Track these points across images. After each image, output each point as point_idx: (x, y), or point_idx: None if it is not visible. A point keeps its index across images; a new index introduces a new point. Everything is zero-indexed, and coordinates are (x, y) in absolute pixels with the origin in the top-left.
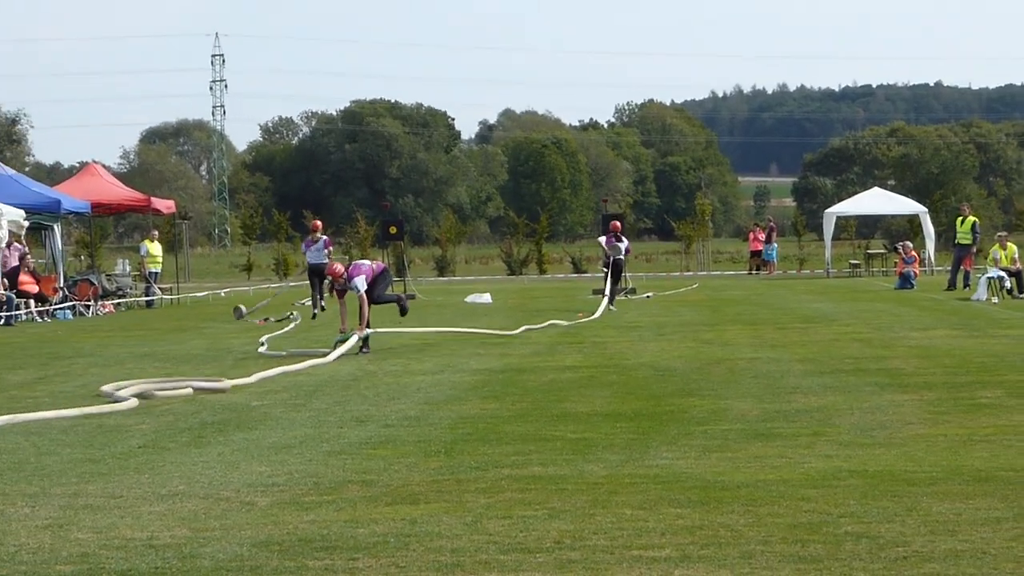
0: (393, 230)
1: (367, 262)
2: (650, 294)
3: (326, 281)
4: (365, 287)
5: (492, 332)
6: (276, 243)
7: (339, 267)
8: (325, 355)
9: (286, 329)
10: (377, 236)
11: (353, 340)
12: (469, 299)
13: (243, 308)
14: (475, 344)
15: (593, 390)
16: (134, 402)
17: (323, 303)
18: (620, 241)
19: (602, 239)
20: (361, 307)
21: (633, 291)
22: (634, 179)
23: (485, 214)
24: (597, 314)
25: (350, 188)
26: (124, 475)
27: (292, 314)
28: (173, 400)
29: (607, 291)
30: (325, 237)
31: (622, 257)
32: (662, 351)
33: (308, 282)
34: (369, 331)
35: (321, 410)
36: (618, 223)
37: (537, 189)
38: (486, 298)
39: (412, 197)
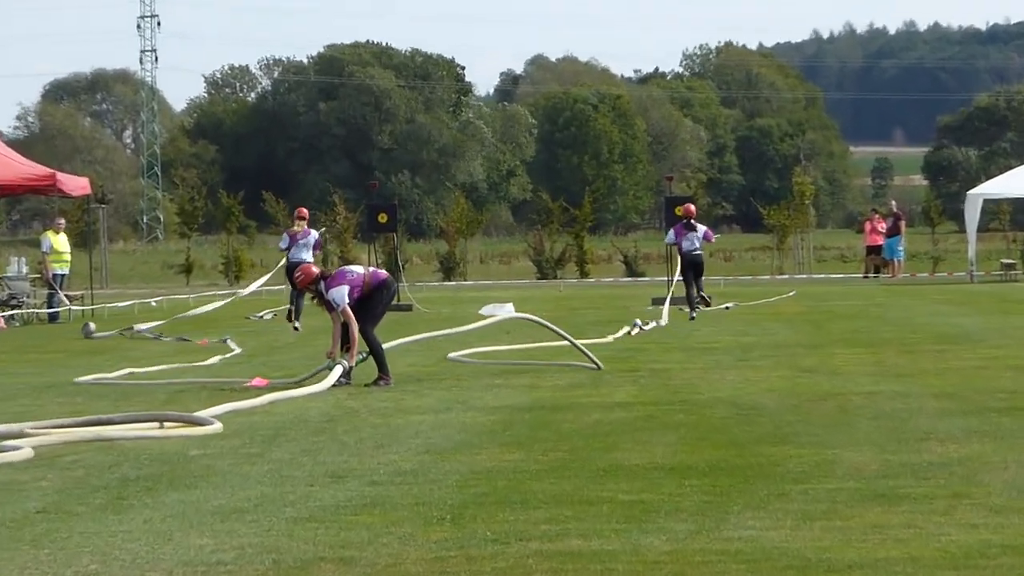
0: (383, 218)
1: (358, 269)
2: (730, 304)
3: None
4: (347, 301)
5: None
6: (225, 235)
7: (313, 269)
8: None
9: (222, 358)
10: (361, 226)
11: (335, 374)
12: (485, 311)
13: (92, 325)
14: (492, 373)
15: (652, 435)
16: (29, 452)
17: (298, 323)
18: (693, 229)
19: (670, 234)
20: (349, 328)
21: (706, 300)
22: (709, 149)
23: (507, 196)
24: (664, 319)
25: (325, 161)
26: (16, 551)
27: (226, 339)
28: (83, 448)
29: (686, 295)
30: (316, 233)
31: (700, 249)
32: (746, 382)
33: (288, 286)
34: (360, 358)
35: (284, 461)
36: (691, 206)
37: (578, 163)
38: (507, 310)
39: (409, 174)
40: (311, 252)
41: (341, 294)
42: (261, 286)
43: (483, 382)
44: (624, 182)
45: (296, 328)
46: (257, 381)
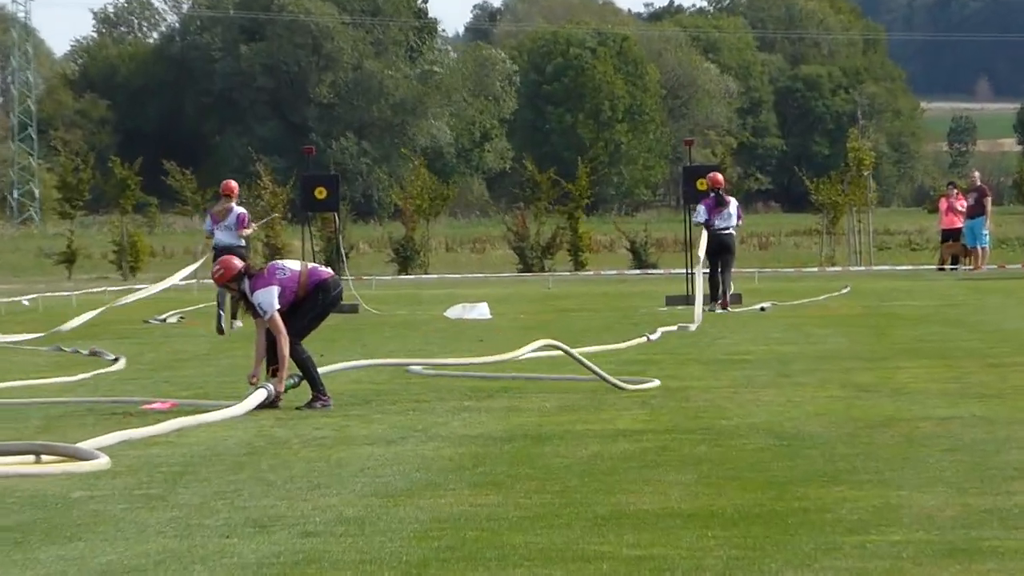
0: (321, 193)
1: (293, 265)
2: (767, 304)
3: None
4: (277, 306)
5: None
6: (118, 216)
7: (235, 261)
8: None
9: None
10: (293, 204)
11: (257, 398)
12: (452, 313)
13: None
14: (461, 392)
15: (666, 472)
16: None
17: (239, 321)
18: (724, 204)
19: (700, 210)
20: (277, 343)
21: (735, 297)
22: (740, 105)
23: (481, 166)
24: (694, 325)
25: (247, 121)
26: None
27: (94, 351)
28: None
29: (706, 288)
30: (241, 209)
31: (732, 228)
32: (787, 404)
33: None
34: (291, 383)
35: (193, 506)
36: (718, 175)
37: (572, 123)
38: (481, 311)
39: (354, 137)
40: (235, 233)
41: (269, 298)
42: (183, 279)
43: (449, 404)
44: (631, 148)
45: (221, 329)
46: (158, 404)
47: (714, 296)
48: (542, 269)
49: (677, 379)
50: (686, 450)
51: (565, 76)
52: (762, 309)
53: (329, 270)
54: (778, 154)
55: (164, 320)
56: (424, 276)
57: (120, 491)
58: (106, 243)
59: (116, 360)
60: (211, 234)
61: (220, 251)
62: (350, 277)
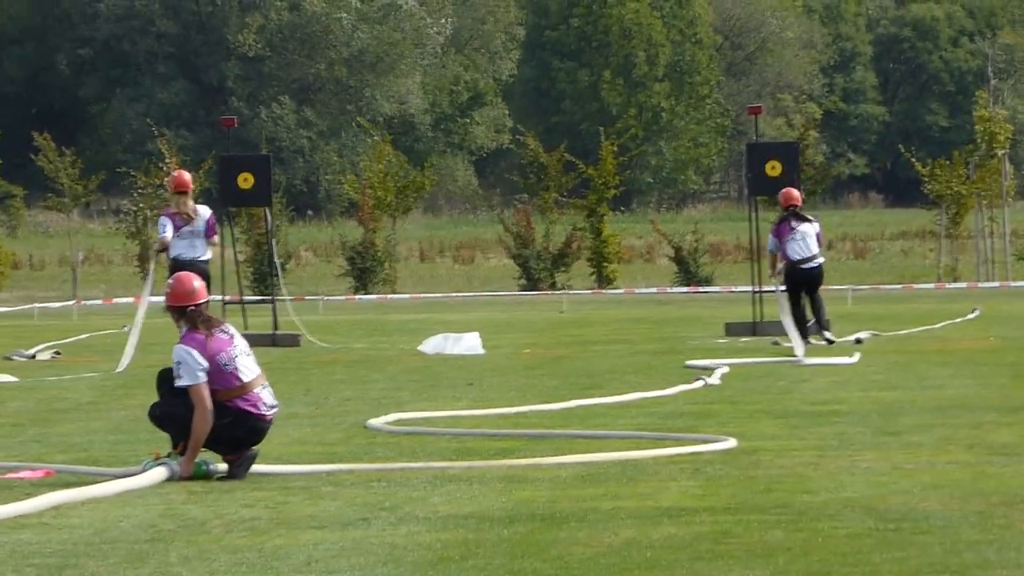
0: (247, 181)
1: (250, 364)
2: (864, 335)
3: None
4: (201, 377)
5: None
6: None
7: (196, 285)
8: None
9: None
10: (207, 195)
11: (156, 474)
12: (430, 347)
13: None
14: (442, 454)
15: (728, 567)
16: None
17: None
18: (801, 222)
19: (771, 239)
20: (195, 418)
21: (821, 328)
22: (827, 60)
23: (468, 142)
24: (798, 351)
25: (143, 81)
26: None
27: None
28: None
29: (789, 322)
30: (209, 211)
31: (817, 257)
32: (893, 472)
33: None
34: (205, 469)
35: None
36: (794, 192)
37: (592, 82)
38: (469, 344)
39: (291, 103)
40: (203, 241)
41: (188, 360)
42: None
43: (426, 472)
44: (675, 117)
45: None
46: (27, 472)
47: (803, 333)
48: (553, 286)
49: (743, 438)
50: (755, 536)
51: (582, 18)
52: (857, 341)
53: (271, 411)
54: (878, 127)
55: (33, 356)
56: (391, 296)
57: None
58: None
59: None
60: (163, 244)
61: (180, 266)
62: (288, 297)
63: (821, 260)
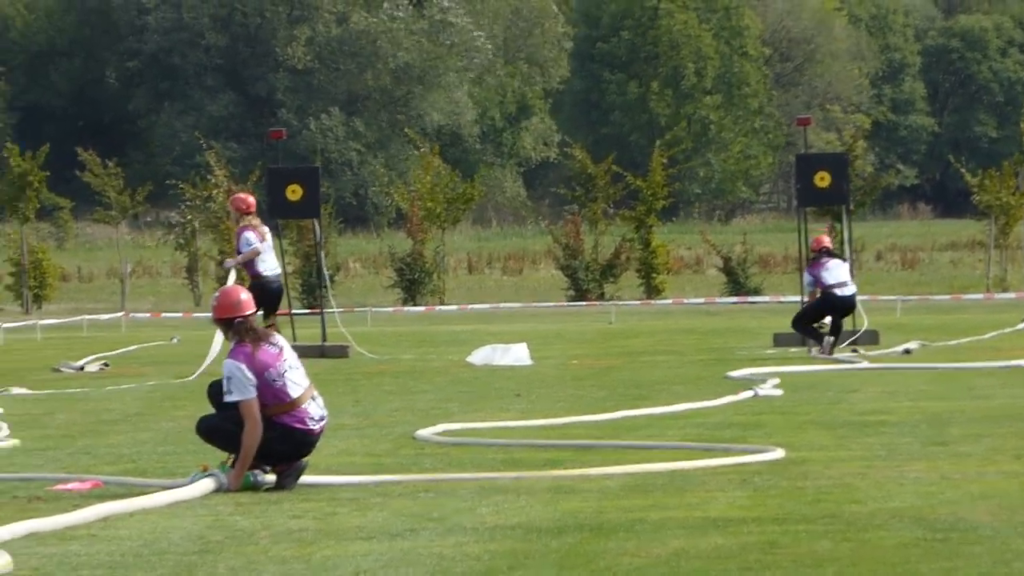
0: (295, 193)
1: (299, 376)
2: (913, 345)
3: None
4: (250, 392)
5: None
6: (16, 225)
7: (242, 296)
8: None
9: None
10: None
11: (204, 486)
12: (478, 359)
13: None
14: (490, 465)
15: None
16: None
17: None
18: (833, 258)
19: (807, 277)
20: (245, 431)
21: (866, 336)
22: (876, 70)
23: (517, 154)
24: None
25: (192, 93)
26: None
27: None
28: None
29: (804, 328)
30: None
31: (851, 285)
32: (942, 482)
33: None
34: (253, 481)
35: None
36: (824, 238)
37: (641, 94)
38: (518, 355)
39: (340, 115)
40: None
41: (237, 376)
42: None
43: (474, 483)
44: (724, 129)
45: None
46: (75, 484)
47: (817, 336)
48: (601, 297)
49: (791, 448)
50: (803, 547)
51: (630, 30)
52: (906, 351)
53: (319, 424)
54: (927, 137)
55: (82, 368)
56: (439, 308)
57: None
58: None
59: None
60: (257, 252)
61: (271, 283)
62: (337, 309)
63: (855, 289)
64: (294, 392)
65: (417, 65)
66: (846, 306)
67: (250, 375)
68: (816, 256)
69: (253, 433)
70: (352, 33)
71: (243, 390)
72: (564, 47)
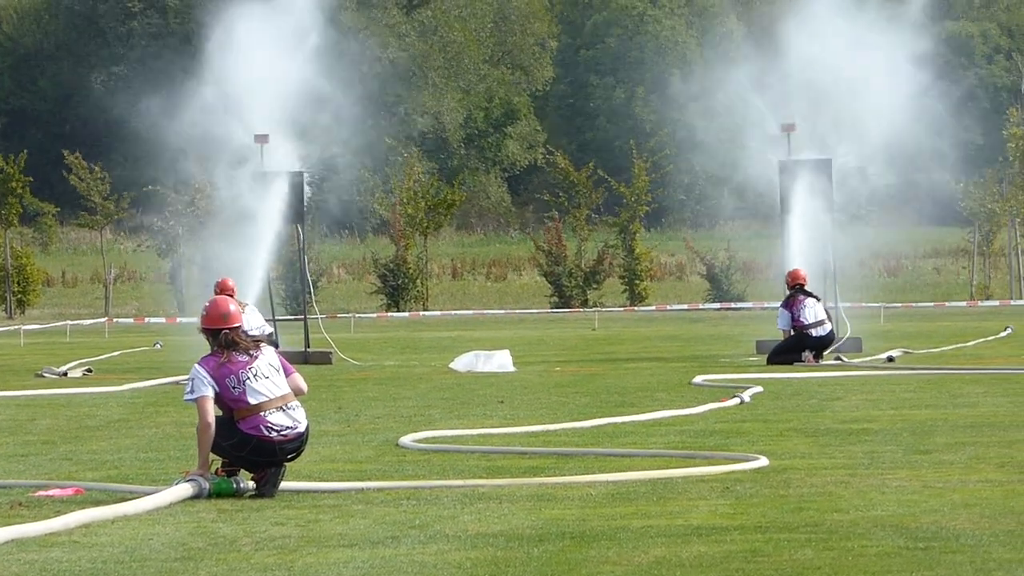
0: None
1: (267, 386)
2: (895, 352)
3: None
4: (202, 390)
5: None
6: (0, 230)
7: (229, 308)
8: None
9: None
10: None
11: (180, 491)
12: (461, 365)
13: None
14: (472, 472)
15: None
16: None
17: None
18: (808, 296)
19: (783, 316)
20: (198, 433)
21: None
22: None
23: (501, 159)
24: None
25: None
26: None
27: None
28: None
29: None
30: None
31: (827, 324)
32: (924, 490)
33: None
34: (232, 486)
35: None
36: (800, 271)
37: (626, 98)
38: (500, 362)
39: None
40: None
41: (198, 378)
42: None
43: (456, 490)
44: (709, 134)
45: None
46: (56, 490)
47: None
48: (585, 303)
49: (774, 457)
50: (785, 555)
51: (612, 32)
52: (889, 359)
53: (280, 432)
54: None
55: (64, 373)
56: (422, 313)
57: None
58: None
59: None
60: None
61: None
62: (320, 315)
63: (831, 327)
64: (252, 399)
65: (400, 67)
66: (822, 345)
67: (208, 379)
68: (792, 293)
69: (201, 429)
70: (337, 36)
71: (198, 389)
72: (547, 48)
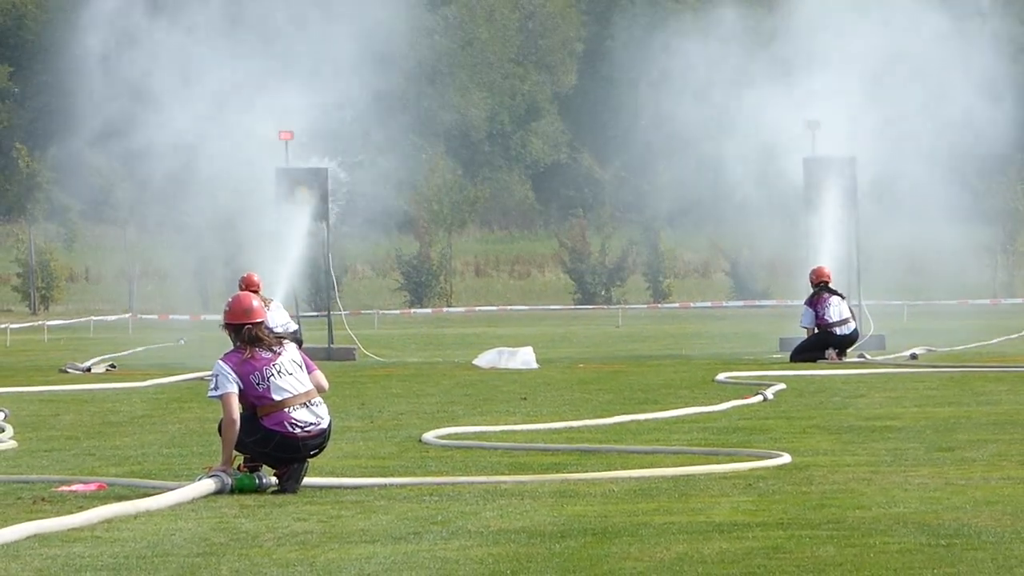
0: (303, 193)
1: (290, 382)
2: (918, 350)
3: None
4: (228, 387)
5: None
6: (23, 226)
7: (252, 304)
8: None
9: None
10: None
11: (202, 487)
12: (484, 361)
13: None
14: (494, 468)
15: None
16: None
17: None
18: (833, 295)
19: (807, 314)
20: (223, 429)
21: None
22: None
23: (525, 156)
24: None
25: None
26: None
27: None
28: None
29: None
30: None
31: (851, 322)
32: (946, 488)
33: None
34: (255, 482)
35: None
36: (824, 268)
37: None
38: (524, 358)
39: None
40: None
41: (221, 375)
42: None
43: (479, 486)
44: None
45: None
46: (79, 485)
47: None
48: (608, 301)
49: (796, 454)
50: (807, 552)
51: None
52: (912, 357)
53: (304, 429)
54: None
55: (88, 369)
56: (446, 310)
57: None
58: (7, 263)
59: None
60: None
61: None
62: (344, 312)
63: (855, 325)
64: (277, 395)
65: (426, 65)
66: (846, 343)
67: (232, 375)
68: (816, 291)
69: (226, 425)
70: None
71: (223, 386)
72: (573, 51)
